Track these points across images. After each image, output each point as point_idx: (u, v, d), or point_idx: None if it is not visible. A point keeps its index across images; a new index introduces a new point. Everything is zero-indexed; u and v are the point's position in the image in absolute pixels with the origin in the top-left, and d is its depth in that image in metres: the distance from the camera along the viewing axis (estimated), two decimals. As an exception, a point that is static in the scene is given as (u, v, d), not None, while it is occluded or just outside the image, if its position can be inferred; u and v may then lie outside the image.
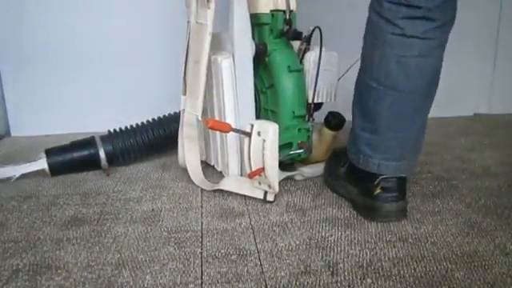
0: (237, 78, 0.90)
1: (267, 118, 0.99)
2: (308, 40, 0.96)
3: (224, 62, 0.89)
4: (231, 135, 0.92)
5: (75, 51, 1.38)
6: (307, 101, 0.96)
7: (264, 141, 0.82)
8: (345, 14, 1.37)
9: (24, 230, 0.79)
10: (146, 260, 0.69)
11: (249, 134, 0.84)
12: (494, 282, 0.63)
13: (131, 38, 1.39)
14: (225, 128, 0.85)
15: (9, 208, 0.88)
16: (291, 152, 0.94)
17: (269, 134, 0.81)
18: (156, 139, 1.10)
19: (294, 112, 0.94)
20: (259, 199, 0.89)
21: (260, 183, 0.88)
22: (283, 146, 0.92)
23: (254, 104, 0.94)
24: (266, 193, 0.87)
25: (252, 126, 0.84)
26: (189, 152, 0.97)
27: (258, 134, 0.83)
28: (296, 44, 0.98)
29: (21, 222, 0.82)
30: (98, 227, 0.79)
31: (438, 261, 0.68)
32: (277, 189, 0.86)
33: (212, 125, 0.83)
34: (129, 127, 1.11)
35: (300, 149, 0.94)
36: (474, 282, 0.63)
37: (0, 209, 0.87)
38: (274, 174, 0.84)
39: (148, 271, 0.66)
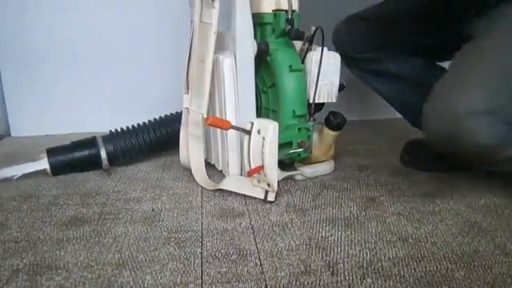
0: (238, 77, 0.90)
1: (268, 118, 0.99)
2: (310, 40, 0.96)
3: (226, 61, 0.89)
4: (231, 134, 0.92)
5: (75, 51, 1.38)
6: (308, 100, 0.96)
7: (263, 139, 0.82)
8: (347, 14, 1.37)
9: (24, 229, 0.79)
10: (145, 260, 0.69)
11: (249, 132, 0.84)
12: (494, 282, 0.63)
13: (131, 38, 1.39)
14: (224, 125, 0.85)
15: (9, 208, 0.88)
16: (291, 151, 0.95)
17: (268, 132, 0.82)
18: (158, 139, 1.10)
19: (294, 111, 0.94)
20: (259, 199, 0.89)
21: (259, 181, 0.88)
22: (283, 145, 0.92)
23: (254, 103, 0.95)
24: (266, 192, 0.87)
25: (252, 124, 0.84)
26: (194, 151, 0.97)
27: (258, 132, 0.83)
28: (298, 44, 0.98)
29: (21, 222, 0.82)
30: (98, 227, 0.79)
31: (438, 261, 0.68)
32: (276, 187, 0.86)
33: (211, 121, 0.83)
34: (130, 127, 1.11)
35: (300, 148, 0.95)
36: (474, 282, 0.63)
37: (0, 209, 0.87)
38: (273, 173, 0.84)
39: (148, 271, 0.66)
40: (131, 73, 1.42)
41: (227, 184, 0.92)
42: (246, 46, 0.89)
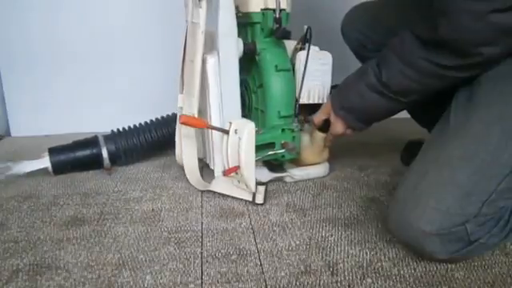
0: (222, 76, 0.89)
1: (258, 118, 0.98)
2: (303, 39, 0.94)
3: (209, 61, 0.88)
4: (216, 133, 0.91)
5: (75, 51, 1.38)
6: (297, 101, 0.93)
7: (240, 139, 0.82)
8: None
9: (24, 229, 0.79)
10: (145, 260, 0.69)
11: (227, 132, 0.84)
12: (494, 282, 0.63)
13: (132, 38, 1.39)
14: (200, 125, 0.84)
15: (9, 208, 0.88)
16: (271, 152, 0.93)
17: (244, 132, 0.81)
18: (159, 138, 1.11)
19: (279, 112, 0.93)
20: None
21: (239, 182, 0.87)
22: (266, 146, 0.91)
23: (239, 102, 0.92)
24: (254, 195, 0.86)
25: (230, 124, 0.84)
26: (186, 151, 0.97)
27: (235, 132, 0.82)
28: (293, 44, 0.97)
29: (21, 222, 0.82)
30: (98, 227, 0.79)
31: (438, 261, 0.67)
32: (253, 188, 0.85)
33: (184, 121, 0.82)
34: (132, 127, 1.12)
35: (283, 149, 0.93)
36: (474, 282, 0.63)
37: (0, 209, 0.87)
38: (249, 173, 0.83)
39: (148, 271, 0.66)
40: (131, 73, 1.42)
41: (215, 185, 0.91)
42: (228, 45, 0.87)
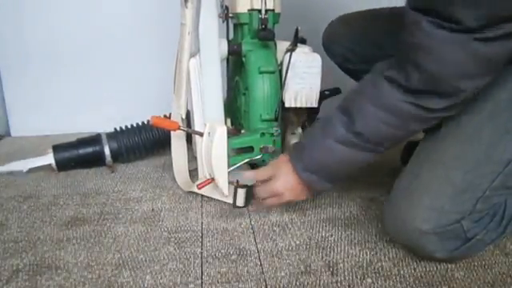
0: (204, 77, 0.87)
1: (246, 120, 0.97)
2: (295, 41, 0.90)
3: (190, 61, 0.86)
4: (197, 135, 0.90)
5: (76, 51, 1.38)
6: (284, 104, 0.91)
7: (211, 142, 0.81)
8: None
9: (24, 229, 0.79)
10: (145, 260, 0.69)
11: (201, 134, 0.83)
12: (494, 282, 0.63)
13: (133, 37, 1.39)
14: (172, 126, 0.84)
15: (9, 208, 0.88)
16: (247, 159, 0.89)
17: (215, 135, 0.79)
18: (160, 137, 1.12)
19: (261, 115, 0.91)
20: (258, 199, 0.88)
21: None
22: (244, 150, 0.90)
23: (221, 104, 0.90)
24: (235, 197, 0.82)
25: (206, 125, 0.83)
26: (176, 151, 0.96)
27: (209, 134, 0.81)
28: (286, 45, 0.96)
29: (21, 222, 0.82)
30: (98, 227, 0.79)
31: (438, 261, 0.68)
32: (225, 192, 0.82)
33: (155, 122, 0.82)
34: (134, 125, 1.13)
35: (260, 154, 0.90)
36: (474, 282, 0.63)
37: (0, 209, 0.87)
38: (221, 177, 0.81)
39: (148, 271, 0.66)
40: (131, 73, 1.42)
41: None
42: (209, 45, 0.85)
